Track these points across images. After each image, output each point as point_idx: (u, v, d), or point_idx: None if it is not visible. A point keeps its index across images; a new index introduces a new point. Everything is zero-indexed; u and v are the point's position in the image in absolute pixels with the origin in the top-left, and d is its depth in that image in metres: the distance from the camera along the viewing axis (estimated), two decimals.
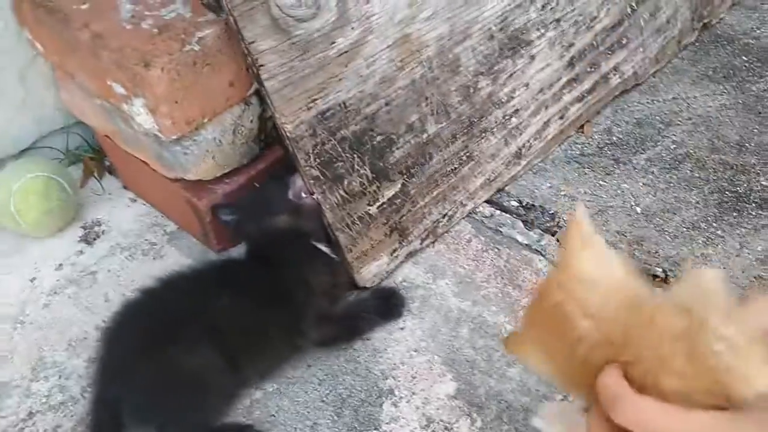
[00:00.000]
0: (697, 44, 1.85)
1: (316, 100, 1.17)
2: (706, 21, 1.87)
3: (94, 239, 1.46)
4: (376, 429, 1.10)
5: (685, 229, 1.36)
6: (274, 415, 1.13)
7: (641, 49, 1.69)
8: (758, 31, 1.88)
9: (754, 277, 1.25)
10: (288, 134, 1.15)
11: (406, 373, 1.17)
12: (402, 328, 1.24)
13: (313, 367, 1.19)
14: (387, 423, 1.10)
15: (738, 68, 1.76)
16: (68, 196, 1.42)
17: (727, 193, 1.42)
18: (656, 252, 1.32)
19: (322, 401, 1.14)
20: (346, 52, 1.19)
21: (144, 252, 1.42)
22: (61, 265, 1.41)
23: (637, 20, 1.66)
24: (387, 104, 1.26)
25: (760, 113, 1.61)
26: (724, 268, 1.27)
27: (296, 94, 1.15)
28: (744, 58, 1.79)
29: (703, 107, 1.65)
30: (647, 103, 1.68)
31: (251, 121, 1.30)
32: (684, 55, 1.82)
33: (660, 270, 1.29)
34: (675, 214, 1.39)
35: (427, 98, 1.31)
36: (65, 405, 1.17)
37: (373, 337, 1.23)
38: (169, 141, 1.21)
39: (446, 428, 1.09)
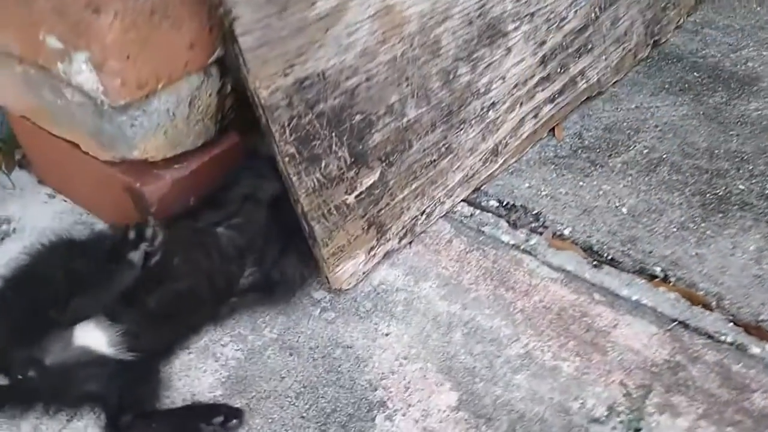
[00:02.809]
0: (649, 60, 1.83)
1: (293, 65, 1.01)
2: (656, 38, 1.85)
3: (2, 239, 1.22)
4: None
5: (674, 229, 1.27)
6: None
7: (604, 57, 1.63)
8: (703, 52, 1.88)
9: (754, 276, 1.17)
10: (262, 101, 0.98)
11: (397, 383, 1.00)
12: (387, 334, 1.07)
13: (287, 379, 1.00)
14: None
15: (692, 83, 1.74)
16: None
17: (708, 195, 1.36)
18: (651, 252, 1.22)
19: (302, 417, 0.95)
20: (326, 16, 1.05)
21: None
22: None
23: (600, 27, 1.61)
24: (367, 80, 1.12)
25: (721, 123, 1.58)
26: (722, 267, 1.19)
27: (272, 56, 0.99)
28: (696, 74, 1.78)
29: (668, 116, 1.60)
30: (612, 110, 1.62)
31: (209, 95, 1.12)
32: (639, 69, 1.78)
33: (659, 270, 1.19)
34: (661, 214, 1.31)
35: (407, 78, 1.18)
36: None
37: (353, 344, 1.06)
38: (113, 109, 1.01)
39: None
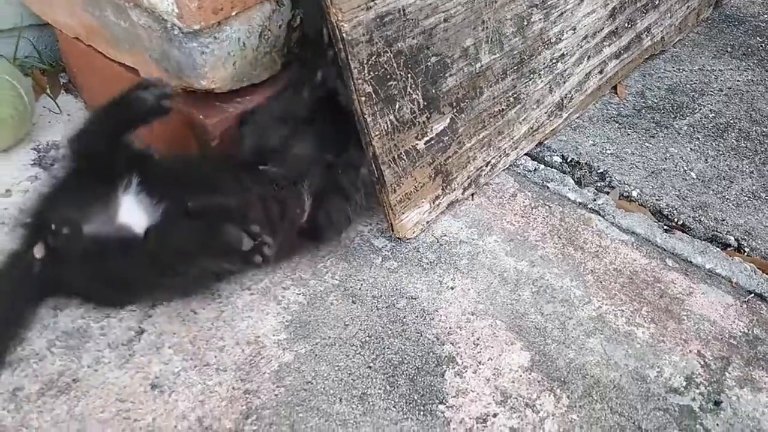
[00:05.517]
0: (710, 22, 1.76)
1: None
2: None
3: (51, 165, 1.16)
4: (442, 403, 0.88)
5: (746, 198, 1.23)
6: (311, 383, 0.89)
7: (669, 15, 1.56)
8: (765, 16, 1.82)
9: None
10: (344, 35, 0.92)
11: (466, 338, 0.96)
12: (452, 288, 1.03)
13: (351, 327, 0.96)
14: (453, 396, 0.89)
15: (755, 48, 1.68)
16: (24, 106, 1.12)
17: None
18: (723, 220, 1.18)
19: (369, 367, 0.91)
20: None
21: None
22: (8, 191, 1.11)
23: None
24: (445, 20, 1.05)
25: None
26: None
27: None
28: (759, 38, 1.71)
29: (732, 80, 1.54)
30: (674, 71, 1.55)
31: (280, 27, 1.06)
32: (700, 31, 1.72)
33: (732, 239, 1.15)
34: (732, 182, 1.26)
35: (483, 22, 1.11)
36: (27, 361, 0.88)
37: (418, 296, 1.02)
38: (185, 34, 0.95)
39: (527, 405, 0.89)
